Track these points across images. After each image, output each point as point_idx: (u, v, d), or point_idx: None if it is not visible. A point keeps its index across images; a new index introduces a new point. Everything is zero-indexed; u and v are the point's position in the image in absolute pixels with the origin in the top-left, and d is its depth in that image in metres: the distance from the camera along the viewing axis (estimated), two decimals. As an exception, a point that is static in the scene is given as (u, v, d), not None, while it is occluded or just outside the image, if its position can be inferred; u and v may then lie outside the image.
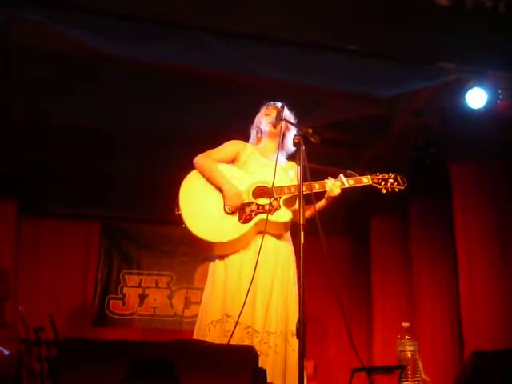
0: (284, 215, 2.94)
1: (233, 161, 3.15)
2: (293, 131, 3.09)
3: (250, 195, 2.99)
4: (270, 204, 2.93)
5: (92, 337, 5.33)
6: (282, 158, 3.16)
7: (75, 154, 5.03)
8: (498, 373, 2.07)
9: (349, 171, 3.04)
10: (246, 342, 2.73)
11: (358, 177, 3.04)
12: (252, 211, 2.94)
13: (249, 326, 2.79)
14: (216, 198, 2.99)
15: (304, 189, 2.54)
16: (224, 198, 2.99)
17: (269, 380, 2.66)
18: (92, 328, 5.62)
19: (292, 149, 3.15)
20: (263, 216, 2.90)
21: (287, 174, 3.07)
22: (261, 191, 3.00)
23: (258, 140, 3.26)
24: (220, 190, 3.02)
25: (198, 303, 5.69)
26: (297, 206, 2.77)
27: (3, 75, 3.91)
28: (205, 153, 3.12)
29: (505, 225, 4.66)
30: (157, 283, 5.89)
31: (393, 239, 5.83)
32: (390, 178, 3.07)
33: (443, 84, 3.96)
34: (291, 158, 3.21)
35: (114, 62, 3.66)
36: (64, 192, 5.41)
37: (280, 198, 2.96)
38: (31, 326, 4.18)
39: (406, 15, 3.78)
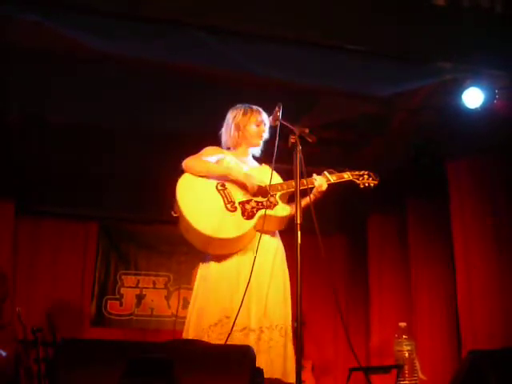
0: (284, 209, 2.99)
1: None
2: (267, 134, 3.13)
3: (247, 193, 3.01)
4: (268, 200, 2.96)
5: (89, 337, 5.32)
6: (255, 162, 3.19)
7: (73, 154, 5.02)
8: (495, 372, 2.08)
9: (329, 170, 3.15)
10: (244, 342, 2.73)
11: (339, 173, 3.17)
12: (253, 208, 2.95)
13: (244, 328, 2.79)
14: (215, 197, 2.98)
15: (294, 185, 2.61)
16: (225, 194, 2.98)
17: (268, 375, 2.67)
18: (90, 328, 5.61)
19: (258, 152, 3.17)
20: (264, 211, 2.92)
21: (276, 176, 3.09)
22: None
23: (237, 144, 3.17)
24: (221, 184, 3.01)
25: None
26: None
27: (2, 75, 3.90)
28: (193, 155, 3.10)
29: (502, 224, 4.66)
30: (154, 284, 5.89)
31: (390, 238, 5.83)
32: (364, 174, 3.20)
33: (440, 83, 3.97)
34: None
35: (113, 61, 3.65)
36: (62, 192, 5.41)
37: (276, 194, 3.00)
38: (29, 326, 4.17)
39: (402, 15, 3.79)
